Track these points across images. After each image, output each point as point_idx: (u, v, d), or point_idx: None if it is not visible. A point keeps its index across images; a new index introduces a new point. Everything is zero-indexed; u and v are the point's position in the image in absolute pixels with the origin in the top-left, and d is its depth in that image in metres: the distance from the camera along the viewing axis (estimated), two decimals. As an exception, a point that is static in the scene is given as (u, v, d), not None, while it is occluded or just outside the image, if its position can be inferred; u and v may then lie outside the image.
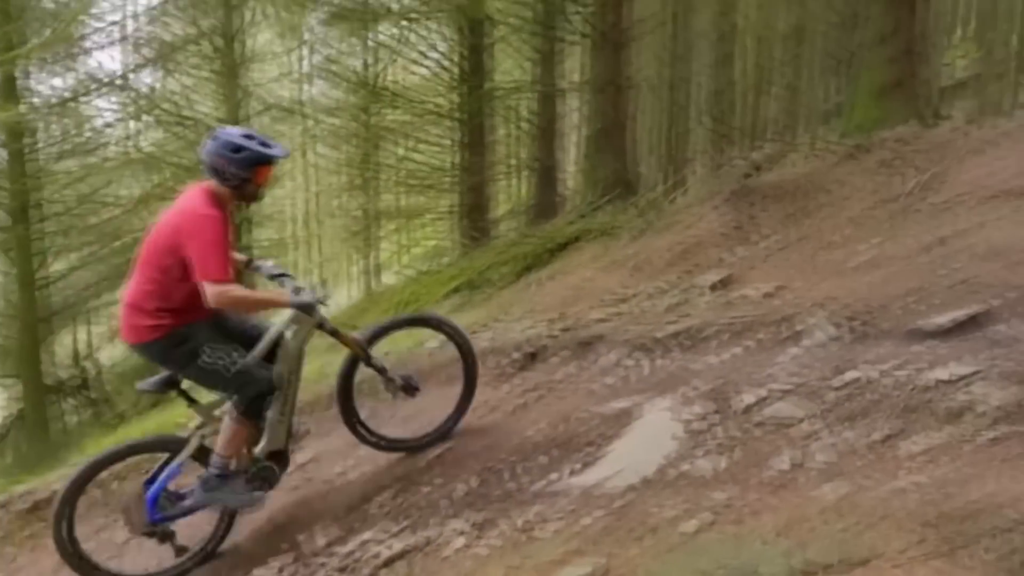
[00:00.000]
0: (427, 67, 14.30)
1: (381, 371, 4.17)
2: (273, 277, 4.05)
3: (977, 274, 4.74)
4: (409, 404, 4.50)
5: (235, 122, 13.76)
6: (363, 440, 4.37)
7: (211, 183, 3.62)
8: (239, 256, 4.06)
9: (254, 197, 3.73)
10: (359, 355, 4.13)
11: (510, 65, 16.65)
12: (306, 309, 3.70)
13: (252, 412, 3.75)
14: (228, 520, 4.02)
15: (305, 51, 19.31)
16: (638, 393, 4.34)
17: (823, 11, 13.34)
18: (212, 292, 3.44)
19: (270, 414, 3.86)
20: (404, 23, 13.70)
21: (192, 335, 3.65)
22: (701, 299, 5.86)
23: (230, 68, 14.90)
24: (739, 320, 4.94)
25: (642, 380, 4.63)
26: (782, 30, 14.20)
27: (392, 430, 4.49)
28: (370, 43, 15.76)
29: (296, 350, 3.89)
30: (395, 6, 13.65)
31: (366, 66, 16.06)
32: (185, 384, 3.84)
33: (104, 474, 4.08)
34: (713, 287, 6.09)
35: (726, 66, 13.87)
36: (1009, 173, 6.48)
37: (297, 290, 3.79)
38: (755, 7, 14.23)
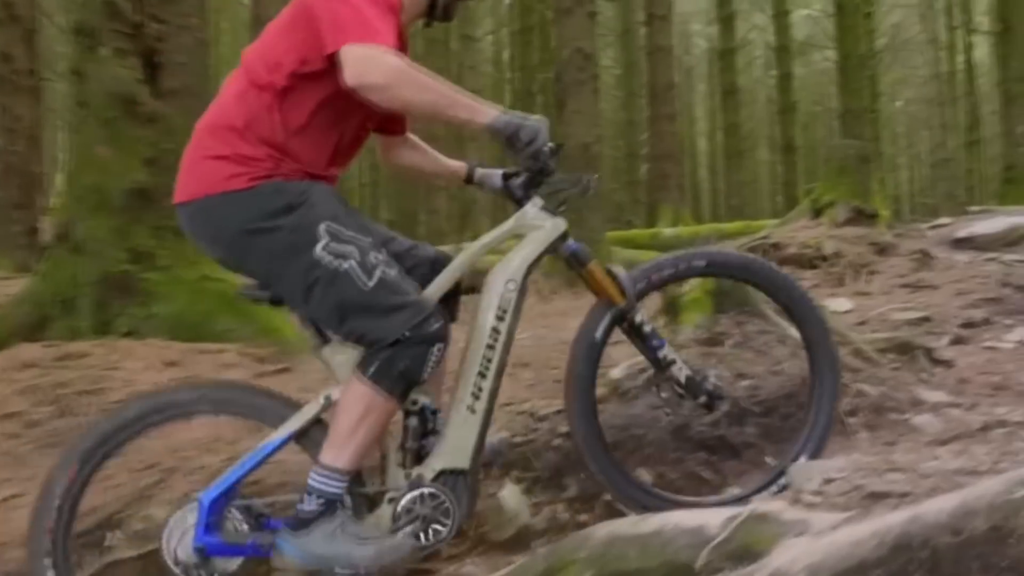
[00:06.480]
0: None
1: (654, 352, 2.08)
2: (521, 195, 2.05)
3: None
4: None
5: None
6: (621, 495, 2.12)
7: None
8: (449, 161, 2.28)
9: (447, 10, 2.04)
10: (621, 306, 2.05)
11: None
12: (513, 142, 1.83)
13: (394, 377, 1.83)
14: None
15: None
16: None
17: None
18: (356, 55, 1.75)
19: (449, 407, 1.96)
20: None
21: (307, 199, 1.87)
22: None
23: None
24: None
25: None
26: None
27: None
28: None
29: (513, 287, 1.97)
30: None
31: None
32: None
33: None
34: None
35: None
36: None
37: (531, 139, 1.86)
38: None
